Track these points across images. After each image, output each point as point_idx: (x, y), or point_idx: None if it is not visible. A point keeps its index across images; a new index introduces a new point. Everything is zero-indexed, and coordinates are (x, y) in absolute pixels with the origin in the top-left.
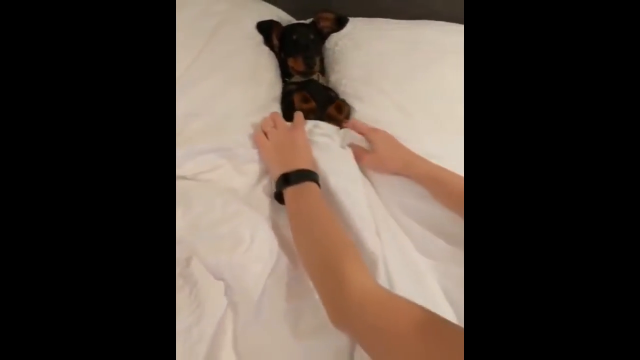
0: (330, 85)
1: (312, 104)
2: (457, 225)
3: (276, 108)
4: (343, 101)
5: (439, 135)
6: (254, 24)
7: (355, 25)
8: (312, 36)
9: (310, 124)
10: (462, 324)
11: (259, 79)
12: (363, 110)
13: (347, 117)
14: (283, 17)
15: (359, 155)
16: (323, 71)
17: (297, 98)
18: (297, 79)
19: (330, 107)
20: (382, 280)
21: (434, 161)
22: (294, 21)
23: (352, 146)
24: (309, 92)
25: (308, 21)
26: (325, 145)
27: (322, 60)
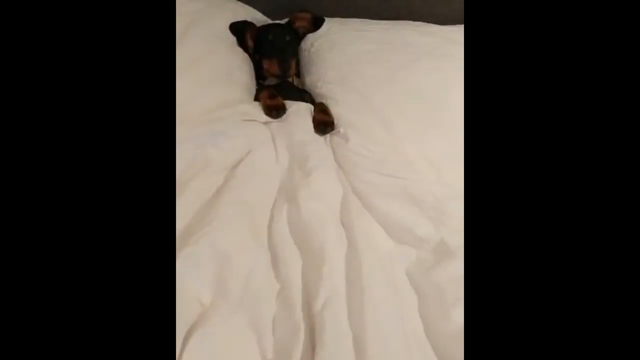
0: (306, 88)
1: (279, 101)
2: (428, 218)
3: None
4: (322, 104)
5: (416, 138)
6: (227, 24)
7: (332, 26)
8: (287, 37)
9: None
10: (423, 310)
11: (233, 80)
12: (338, 113)
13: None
14: (259, 18)
15: None
16: (298, 73)
17: (263, 95)
18: (271, 81)
19: (315, 112)
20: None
21: (410, 165)
22: (270, 22)
23: None
24: (280, 92)
25: (284, 21)
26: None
27: (297, 62)
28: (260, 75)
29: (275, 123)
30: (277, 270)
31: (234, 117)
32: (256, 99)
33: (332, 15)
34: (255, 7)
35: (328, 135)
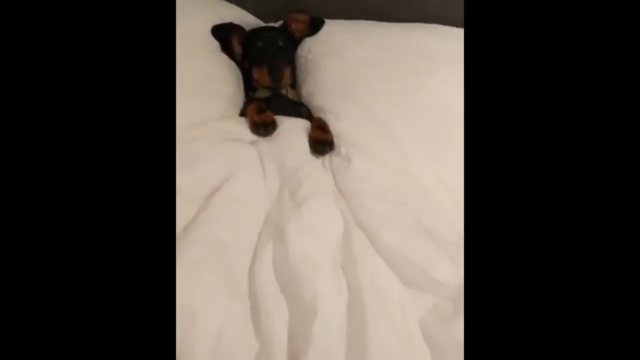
0: (303, 101)
1: (269, 116)
2: (447, 256)
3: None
4: (320, 119)
5: (431, 160)
6: (210, 27)
7: (333, 29)
8: (280, 42)
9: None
10: None
11: (215, 92)
12: (340, 129)
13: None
14: (249, 21)
15: None
16: (294, 84)
17: (250, 109)
18: (262, 93)
19: (312, 129)
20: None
21: (425, 191)
22: (262, 25)
23: None
24: (272, 106)
25: (278, 24)
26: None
27: (293, 71)
28: (250, 86)
29: (263, 142)
30: (257, 325)
31: (212, 136)
32: (242, 114)
33: (334, 17)
34: (244, 7)
35: (327, 157)
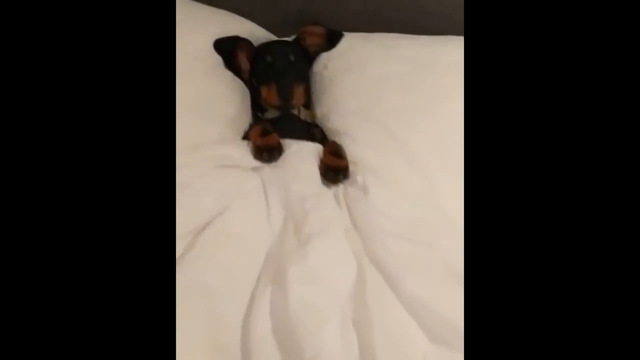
0: (317, 122)
1: (273, 139)
2: None
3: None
4: (334, 142)
5: (461, 192)
6: (211, 40)
7: (352, 42)
8: (292, 57)
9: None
10: None
11: (212, 113)
12: (357, 155)
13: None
14: (258, 35)
15: None
16: (308, 103)
17: (253, 131)
18: (272, 113)
19: (324, 153)
20: None
21: (454, 230)
22: (274, 39)
23: None
24: (281, 128)
25: (291, 38)
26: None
27: (307, 89)
28: (258, 106)
29: (268, 169)
30: None
31: (206, 163)
32: (246, 137)
33: (353, 29)
34: (252, 19)
35: (340, 186)
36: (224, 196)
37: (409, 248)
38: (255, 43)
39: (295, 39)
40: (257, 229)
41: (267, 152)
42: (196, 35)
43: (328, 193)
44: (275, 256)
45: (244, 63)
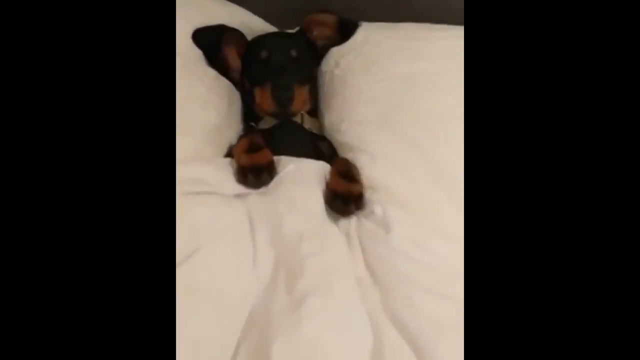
0: (325, 133)
1: (264, 157)
2: None
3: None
4: (345, 160)
5: None
6: (190, 30)
7: (370, 34)
8: (294, 52)
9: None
10: None
11: (186, 122)
12: (376, 177)
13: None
14: (254, 26)
15: None
16: (315, 110)
17: (238, 147)
18: (267, 122)
19: (332, 175)
20: None
21: None
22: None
23: None
24: (277, 141)
25: (296, 30)
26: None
27: (313, 92)
28: (252, 114)
29: (255, 197)
30: None
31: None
32: (230, 153)
33: (373, 18)
34: (246, 7)
35: (353, 220)
36: (192, 235)
37: (444, 306)
38: (249, 36)
39: (299, 31)
40: (236, 280)
41: (253, 173)
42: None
43: (335, 230)
44: (258, 320)
45: (234, 59)
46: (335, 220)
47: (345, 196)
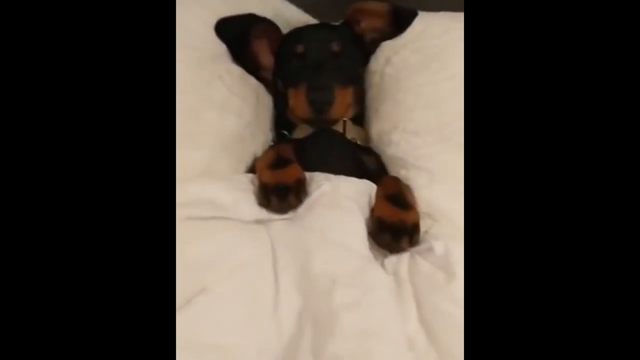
0: (372, 145)
1: (293, 173)
2: None
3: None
4: (396, 180)
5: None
6: (213, 20)
7: (428, 25)
8: (336, 47)
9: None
10: None
11: (200, 130)
12: (436, 203)
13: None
14: (289, 16)
15: None
16: (360, 118)
17: (262, 160)
18: (302, 131)
19: (378, 199)
20: None
21: None
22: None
23: None
24: (311, 154)
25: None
26: None
27: (358, 96)
28: (285, 120)
29: (280, 224)
30: None
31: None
32: (253, 168)
33: (434, 7)
34: None
35: (405, 258)
36: (196, 273)
37: None
38: (285, 29)
39: (344, 22)
40: (249, 335)
41: (277, 194)
42: (187, 11)
43: (380, 273)
44: None
45: (265, 56)
46: (381, 259)
47: (395, 227)
